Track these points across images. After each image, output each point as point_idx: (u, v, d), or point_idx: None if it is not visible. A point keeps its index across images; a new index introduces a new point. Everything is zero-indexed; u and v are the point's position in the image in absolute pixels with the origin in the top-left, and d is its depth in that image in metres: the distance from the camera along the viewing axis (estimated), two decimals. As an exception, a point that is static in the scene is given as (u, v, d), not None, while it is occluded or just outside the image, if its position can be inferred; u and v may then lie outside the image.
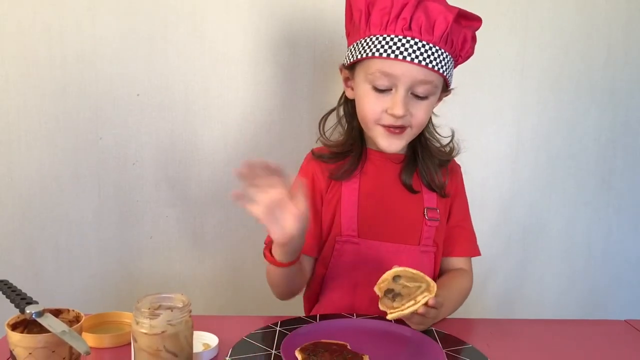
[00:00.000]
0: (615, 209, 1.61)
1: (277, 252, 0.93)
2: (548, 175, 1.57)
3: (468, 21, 1.02)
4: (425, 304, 0.88)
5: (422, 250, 1.10)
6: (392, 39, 0.97)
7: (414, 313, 0.88)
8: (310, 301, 1.15)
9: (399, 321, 0.97)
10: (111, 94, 1.38)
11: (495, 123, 1.52)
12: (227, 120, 1.42)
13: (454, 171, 1.18)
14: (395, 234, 1.08)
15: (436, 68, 0.98)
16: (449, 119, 1.49)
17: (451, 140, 1.15)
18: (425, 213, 1.10)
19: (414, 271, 0.92)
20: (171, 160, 1.42)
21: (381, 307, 0.91)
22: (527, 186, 1.56)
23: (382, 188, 1.11)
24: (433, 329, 0.96)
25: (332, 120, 1.16)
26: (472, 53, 1.07)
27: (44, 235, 1.41)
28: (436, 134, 1.15)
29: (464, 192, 1.18)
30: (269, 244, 0.96)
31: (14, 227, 1.40)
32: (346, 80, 1.10)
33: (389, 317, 0.89)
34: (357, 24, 1.01)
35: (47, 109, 1.37)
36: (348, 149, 1.10)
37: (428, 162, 1.11)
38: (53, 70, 1.35)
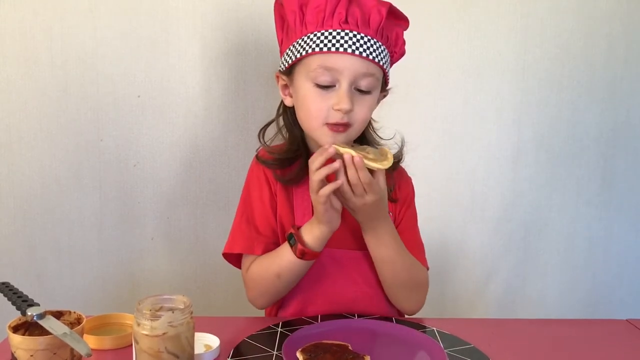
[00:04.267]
0: (616, 208, 1.60)
1: (322, 240, 0.98)
2: (549, 175, 1.57)
3: (398, 20, 1.02)
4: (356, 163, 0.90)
5: None
6: (330, 34, 0.96)
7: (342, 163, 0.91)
8: (271, 313, 1.12)
9: (400, 321, 0.98)
10: (112, 95, 1.38)
11: (496, 122, 1.52)
12: (227, 121, 1.42)
13: (404, 180, 1.15)
14: (351, 241, 1.06)
15: (376, 60, 0.97)
16: (449, 119, 1.50)
17: (400, 149, 1.11)
18: None
19: (386, 157, 0.95)
20: (172, 161, 1.43)
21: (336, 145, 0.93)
22: (528, 185, 1.56)
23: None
24: (434, 329, 0.96)
25: (271, 131, 1.13)
26: (404, 52, 1.06)
27: (45, 237, 1.41)
28: (377, 137, 1.12)
29: (414, 205, 1.15)
30: (299, 242, 0.98)
31: (15, 228, 1.40)
32: (284, 88, 1.08)
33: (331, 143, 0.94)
34: (292, 25, 1.00)
35: (48, 110, 1.37)
36: (292, 155, 1.07)
37: None
38: (54, 71, 1.35)
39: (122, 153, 1.41)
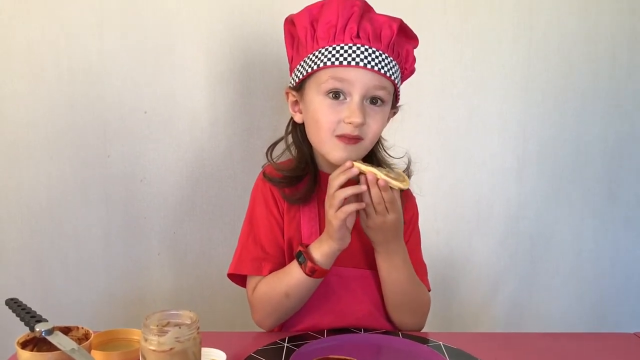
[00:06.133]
0: (622, 220, 1.60)
1: (331, 257, 0.97)
2: (554, 187, 1.56)
3: (408, 38, 1.03)
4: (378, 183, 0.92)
5: None
6: (342, 47, 0.96)
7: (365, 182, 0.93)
8: (275, 330, 1.10)
9: (406, 336, 0.98)
10: (118, 110, 1.39)
11: (500, 135, 1.53)
12: (233, 136, 1.43)
13: (410, 201, 1.14)
14: (359, 258, 1.06)
15: (388, 74, 0.97)
16: (454, 131, 1.50)
17: (407, 168, 1.11)
18: None
19: (404, 178, 0.97)
20: (178, 176, 1.43)
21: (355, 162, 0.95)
22: (533, 197, 1.56)
23: None
24: (440, 343, 0.95)
25: (277, 149, 1.12)
26: (414, 70, 1.07)
27: (52, 252, 1.42)
28: (388, 156, 1.12)
29: (417, 225, 1.15)
30: (307, 260, 0.97)
31: (23, 242, 1.41)
32: (294, 104, 1.06)
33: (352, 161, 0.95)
34: (302, 41, 1.01)
35: (55, 125, 1.38)
36: (300, 173, 1.06)
37: None
38: (61, 86, 1.37)
39: (129, 168, 1.41)
